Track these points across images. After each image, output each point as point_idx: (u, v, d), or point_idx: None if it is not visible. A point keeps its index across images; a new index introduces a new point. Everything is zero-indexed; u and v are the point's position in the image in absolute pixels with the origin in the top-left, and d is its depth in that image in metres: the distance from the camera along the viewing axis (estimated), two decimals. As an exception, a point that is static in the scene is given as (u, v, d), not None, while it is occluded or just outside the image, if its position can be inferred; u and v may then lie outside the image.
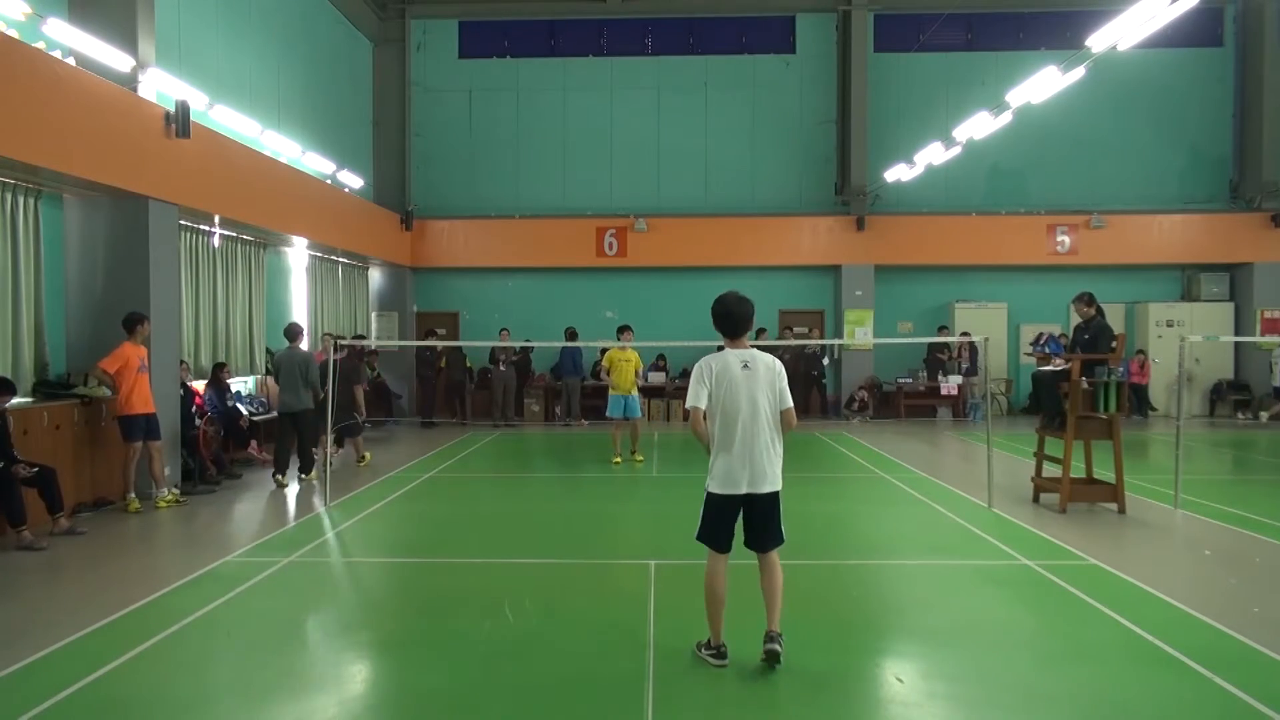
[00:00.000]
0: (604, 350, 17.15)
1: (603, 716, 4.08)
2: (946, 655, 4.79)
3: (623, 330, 12.18)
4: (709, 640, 4.63)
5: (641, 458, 12.10)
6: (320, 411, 10.01)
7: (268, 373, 13.01)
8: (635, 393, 11.99)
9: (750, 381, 4.46)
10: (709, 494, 4.59)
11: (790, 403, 4.57)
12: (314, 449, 10.48)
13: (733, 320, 4.56)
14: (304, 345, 10.70)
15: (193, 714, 4.13)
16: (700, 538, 4.67)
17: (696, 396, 4.50)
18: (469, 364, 16.97)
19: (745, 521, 4.60)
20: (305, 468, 10.46)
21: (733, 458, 4.46)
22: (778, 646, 4.46)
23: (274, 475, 10.13)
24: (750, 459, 4.45)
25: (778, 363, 4.59)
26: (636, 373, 12.06)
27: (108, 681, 4.42)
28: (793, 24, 18.52)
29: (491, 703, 4.20)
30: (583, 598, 5.85)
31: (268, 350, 13.17)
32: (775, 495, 4.54)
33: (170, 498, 8.88)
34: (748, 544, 4.63)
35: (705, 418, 4.52)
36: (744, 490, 4.47)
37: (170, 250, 9.69)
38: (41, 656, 4.70)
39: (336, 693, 4.35)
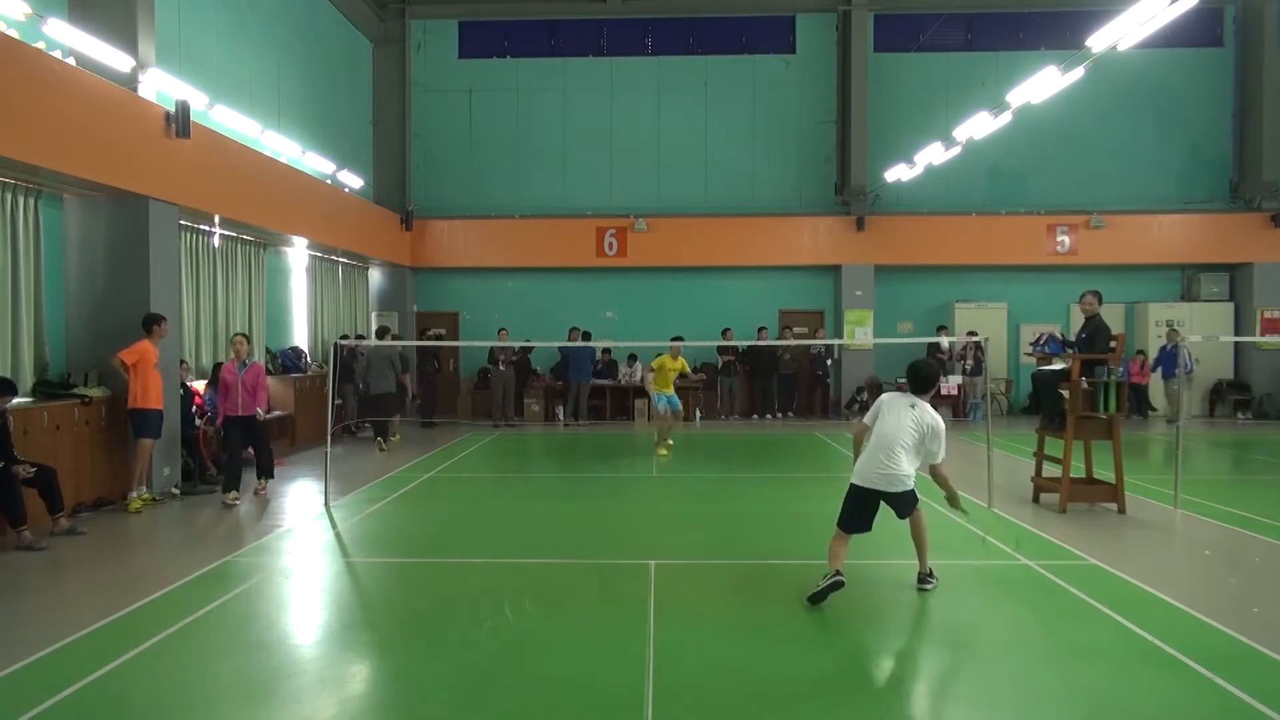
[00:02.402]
0: (605, 350, 17.28)
1: (603, 716, 4.08)
2: (947, 655, 4.79)
3: (676, 339, 12.87)
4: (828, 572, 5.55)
5: (665, 451, 12.49)
6: (401, 393, 13.52)
7: (268, 372, 13.01)
8: (673, 391, 12.86)
9: (907, 415, 5.65)
10: (850, 484, 5.74)
11: (940, 459, 5.72)
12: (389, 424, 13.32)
13: (921, 380, 5.87)
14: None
15: (193, 714, 4.13)
16: (838, 523, 5.75)
17: (868, 415, 5.89)
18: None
19: (890, 508, 5.78)
20: (385, 436, 13.13)
21: (868, 460, 5.65)
22: (927, 585, 5.87)
23: (377, 440, 13.06)
24: (883, 466, 5.58)
25: (938, 422, 5.69)
26: (682, 374, 13.04)
27: (108, 681, 4.42)
28: (793, 24, 18.52)
29: (491, 703, 4.20)
30: (583, 597, 5.85)
31: (268, 350, 13.18)
32: (906, 493, 5.68)
33: (147, 496, 8.85)
34: (899, 516, 5.84)
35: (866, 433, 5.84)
36: (872, 487, 5.62)
37: (170, 250, 9.69)
38: (41, 656, 4.70)
39: (336, 693, 4.35)
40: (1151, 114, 18.08)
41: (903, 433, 5.59)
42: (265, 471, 9.64)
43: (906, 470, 5.61)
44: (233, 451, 9.28)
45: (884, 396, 5.87)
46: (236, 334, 9.81)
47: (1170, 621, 5.26)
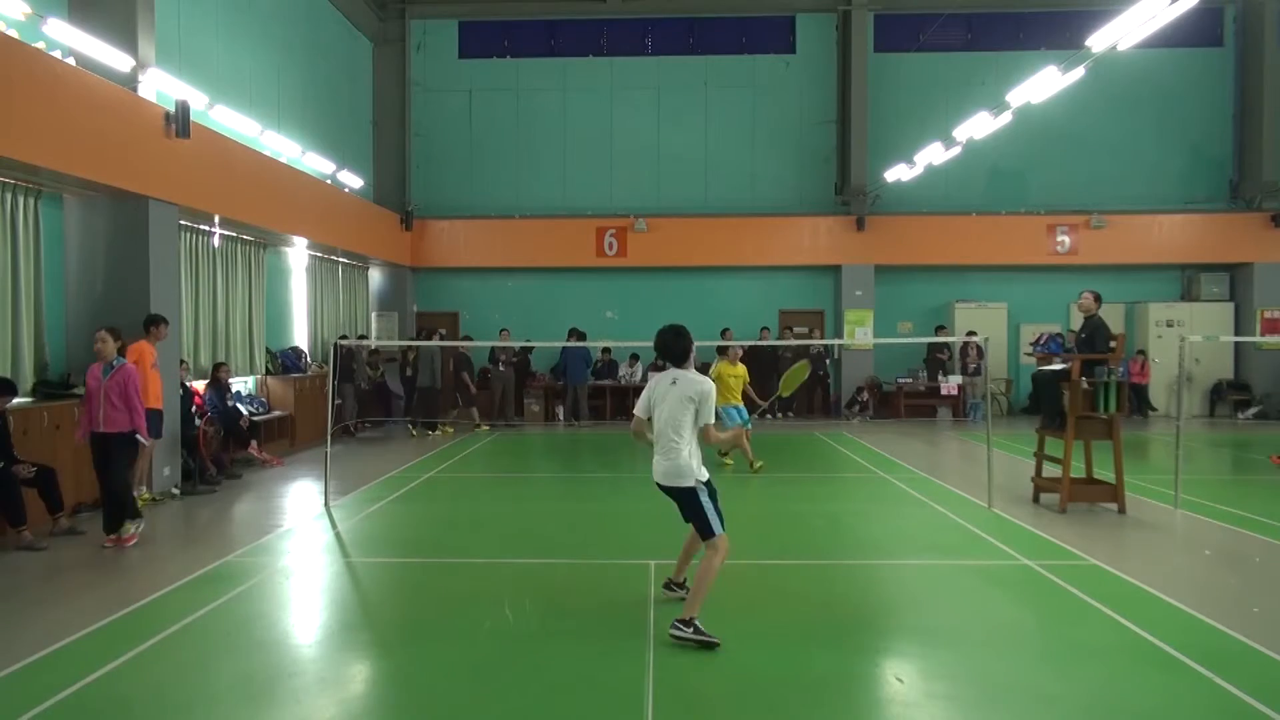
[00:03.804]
0: (605, 350, 17.27)
1: (603, 716, 4.08)
2: (946, 655, 4.79)
3: (727, 347, 11.53)
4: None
5: (730, 462, 11.48)
6: (437, 391, 15.29)
7: (268, 372, 13.05)
8: (741, 402, 11.39)
9: (673, 395, 5.13)
10: (707, 480, 5.29)
11: (709, 419, 5.14)
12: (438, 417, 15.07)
13: (674, 354, 5.24)
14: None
15: (193, 714, 4.13)
16: (721, 522, 5.31)
17: (639, 405, 5.34)
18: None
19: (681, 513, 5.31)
20: (428, 427, 14.84)
21: (655, 455, 5.23)
22: (682, 633, 4.88)
23: (410, 425, 14.97)
24: (662, 460, 5.16)
25: (703, 383, 5.13)
26: (746, 385, 11.52)
27: (108, 681, 4.42)
28: (793, 24, 18.52)
29: (491, 702, 4.20)
30: (583, 598, 5.85)
31: (268, 350, 13.18)
32: (686, 491, 5.13)
33: (147, 496, 8.84)
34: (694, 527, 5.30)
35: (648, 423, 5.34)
36: (658, 481, 5.24)
37: (170, 250, 9.69)
38: (41, 656, 4.70)
39: (336, 693, 4.35)
40: (1151, 114, 18.08)
41: (677, 414, 5.06)
42: (109, 521, 7.24)
43: (686, 457, 5.07)
44: (102, 479, 7.42)
45: (650, 382, 5.32)
46: (100, 329, 7.60)
47: (1170, 621, 5.26)
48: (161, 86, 9.63)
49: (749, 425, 11.27)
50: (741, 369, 11.50)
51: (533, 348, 16.84)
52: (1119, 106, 17.92)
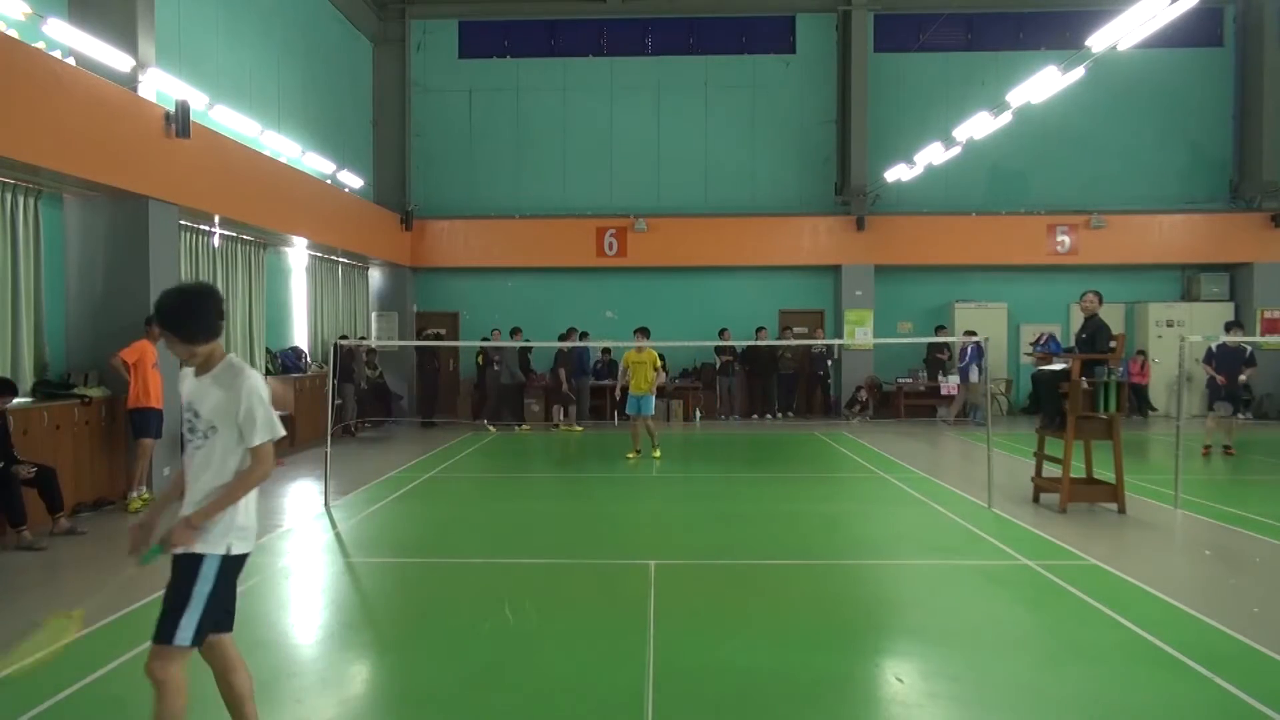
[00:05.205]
0: (604, 349, 17.28)
1: (603, 717, 4.08)
2: (946, 655, 4.79)
3: (638, 332, 12.35)
4: None
5: (659, 453, 12.10)
6: (521, 386, 16.39)
7: (268, 372, 13.04)
8: (652, 392, 12.19)
9: (188, 390, 3.50)
10: (234, 556, 3.35)
11: (256, 440, 3.37)
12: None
13: (176, 319, 3.50)
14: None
15: (193, 714, 4.11)
16: (200, 633, 3.27)
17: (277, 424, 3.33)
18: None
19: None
20: (493, 420, 15.81)
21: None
22: None
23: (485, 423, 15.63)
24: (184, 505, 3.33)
25: (253, 386, 3.45)
26: (656, 370, 12.26)
27: (108, 681, 4.42)
28: (793, 24, 18.53)
29: (491, 703, 4.20)
30: (583, 598, 5.85)
31: (268, 350, 13.18)
32: (184, 563, 3.48)
33: (147, 496, 8.83)
34: (225, 628, 3.44)
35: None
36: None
37: (170, 250, 9.70)
38: (41, 656, 4.69)
39: (336, 693, 4.35)
40: (1152, 114, 18.08)
41: (194, 434, 3.28)
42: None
43: (197, 499, 3.31)
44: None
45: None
46: None
47: (1170, 621, 5.25)
48: (161, 86, 9.63)
49: (649, 414, 12.19)
50: (646, 354, 12.07)
51: (531, 348, 16.83)
52: (1119, 106, 17.92)
